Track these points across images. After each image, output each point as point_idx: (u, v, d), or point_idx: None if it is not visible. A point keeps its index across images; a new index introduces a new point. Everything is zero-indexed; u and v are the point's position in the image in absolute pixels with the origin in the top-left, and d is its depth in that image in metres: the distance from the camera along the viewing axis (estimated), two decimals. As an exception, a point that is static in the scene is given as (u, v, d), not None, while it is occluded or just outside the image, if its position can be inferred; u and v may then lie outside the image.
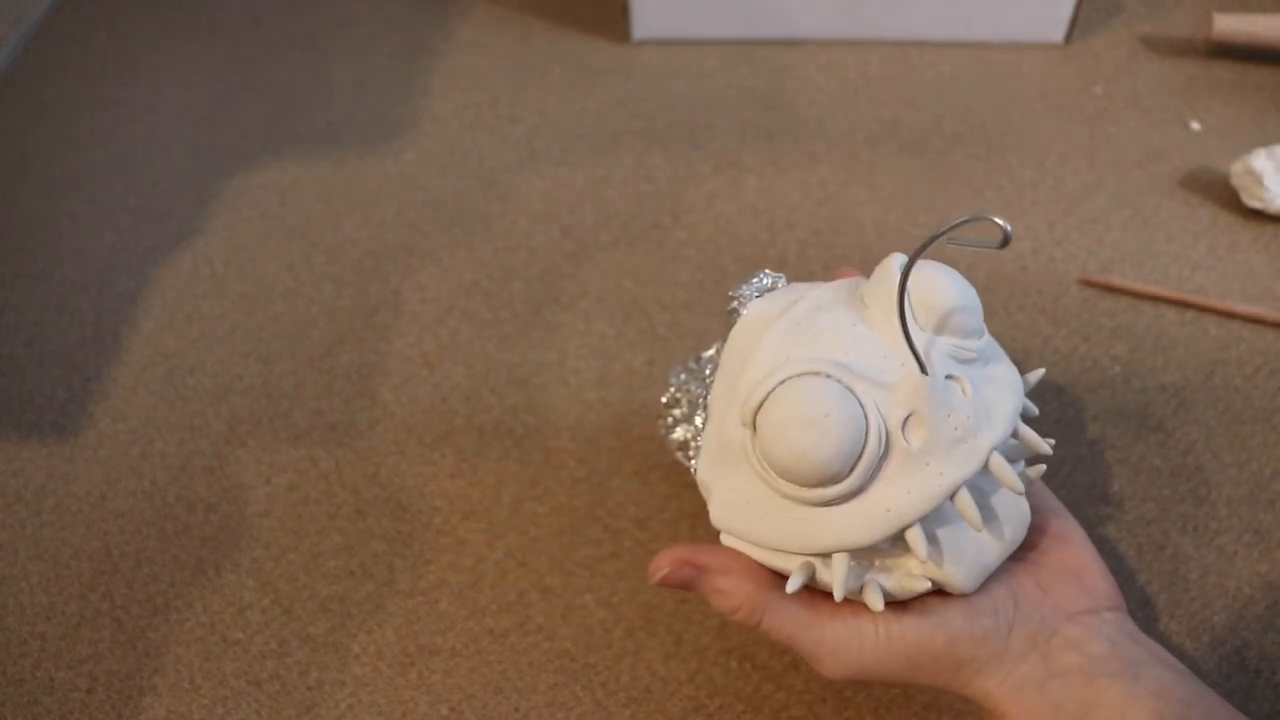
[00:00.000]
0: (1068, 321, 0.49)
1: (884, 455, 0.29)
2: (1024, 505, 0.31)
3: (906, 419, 0.29)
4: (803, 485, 0.29)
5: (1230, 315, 0.48)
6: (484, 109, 0.63)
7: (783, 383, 0.29)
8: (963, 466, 0.29)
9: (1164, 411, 0.45)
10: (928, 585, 0.30)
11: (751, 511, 0.31)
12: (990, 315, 0.49)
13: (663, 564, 0.32)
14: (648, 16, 0.65)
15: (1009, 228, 0.26)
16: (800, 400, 0.28)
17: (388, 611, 0.41)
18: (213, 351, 0.51)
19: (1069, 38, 0.64)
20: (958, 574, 0.30)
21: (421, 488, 0.45)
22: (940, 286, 0.30)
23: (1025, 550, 0.33)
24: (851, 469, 0.28)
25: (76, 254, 0.55)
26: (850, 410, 0.28)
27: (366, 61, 0.67)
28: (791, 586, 0.30)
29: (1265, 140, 0.57)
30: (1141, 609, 0.39)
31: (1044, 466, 0.32)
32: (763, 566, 0.32)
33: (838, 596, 0.29)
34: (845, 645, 0.30)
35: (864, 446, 0.28)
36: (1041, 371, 0.33)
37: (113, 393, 0.49)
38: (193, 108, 0.64)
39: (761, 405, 0.29)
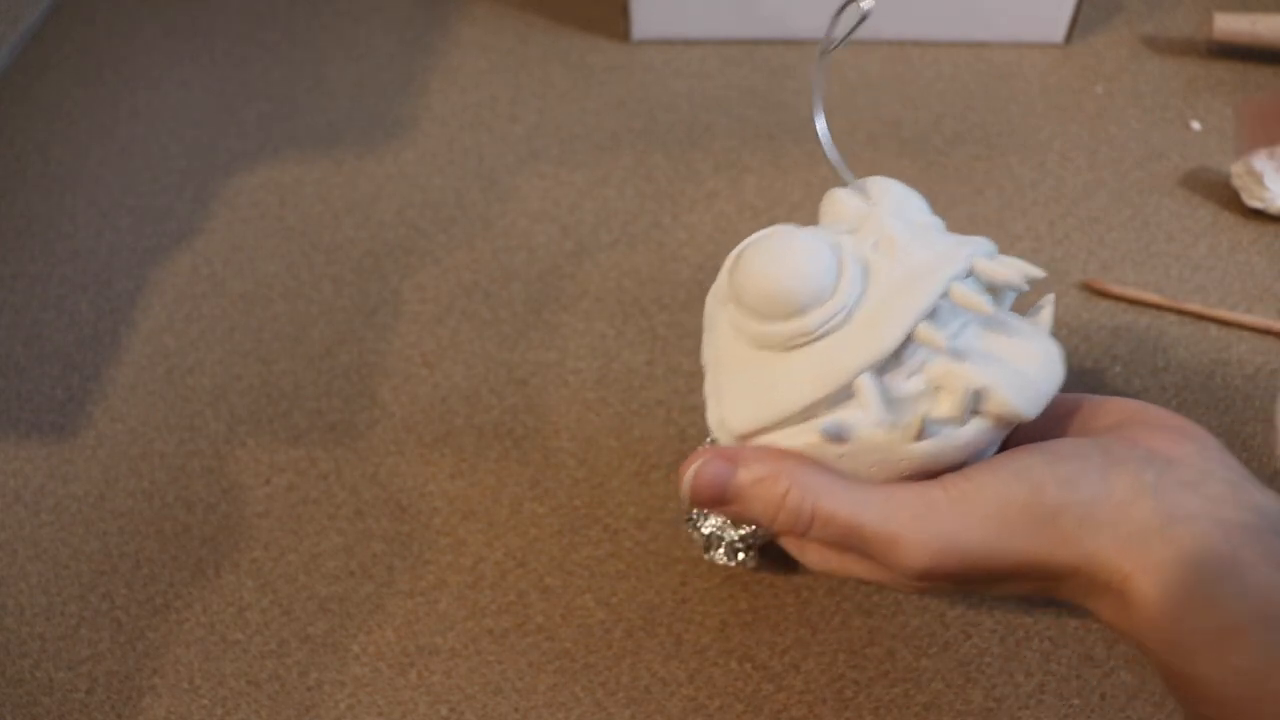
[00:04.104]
0: (1068, 321, 0.49)
1: (866, 277, 0.29)
2: (1048, 339, 0.30)
3: (876, 243, 0.30)
4: (791, 316, 0.28)
5: (1238, 326, 0.48)
6: (484, 109, 0.63)
7: (760, 237, 0.30)
8: (948, 265, 0.29)
9: (1164, 411, 0.45)
10: (974, 424, 0.27)
11: (757, 388, 0.29)
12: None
13: (691, 463, 0.28)
14: (648, 16, 0.65)
15: (866, 4, 0.28)
16: (769, 242, 0.29)
17: (387, 612, 0.41)
18: (212, 351, 0.51)
19: (1069, 37, 0.64)
20: (1001, 385, 0.27)
21: (421, 488, 0.45)
22: (891, 183, 0.33)
23: (1083, 427, 0.29)
24: (837, 286, 0.28)
25: (75, 254, 0.55)
26: (814, 235, 0.29)
27: (366, 61, 0.67)
28: (821, 428, 0.27)
29: (1265, 140, 0.57)
30: (1142, 609, 0.39)
31: (1050, 305, 0.31)
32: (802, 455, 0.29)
33: (873, 418, 0.27)
34: (920, 516, 0.26)
35: (841, 265, 0.29)
36: (1051, 298, 0.32)
37: (112, 393, 0.49)
38: (193, 108, 0.64)
39: (737, 267, 0.29)
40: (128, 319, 0.52)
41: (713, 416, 0.31)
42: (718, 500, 0.28)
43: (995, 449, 0.30)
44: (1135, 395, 0.46)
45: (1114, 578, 0.25)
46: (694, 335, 0.50)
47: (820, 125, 0.32)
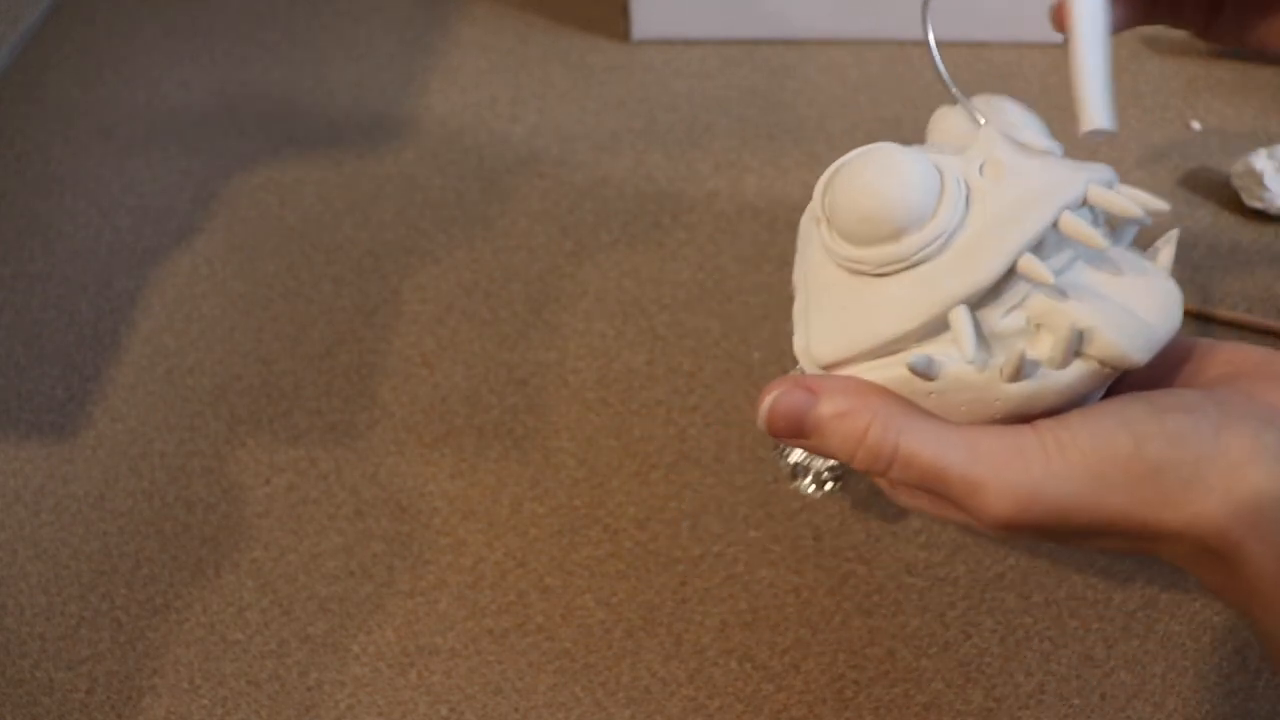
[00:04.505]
0: (1068, 321, 0.49)
1: (969, 202, 0.27)
2: (1166, 278, 0.27)
3: (983, 166, 0.27)
4: (887, 240, 0.26)
5: (1239, 326, 0.48)
6: (484, 109, 0.63)
7: (857, 154, 0.28)
8: (1061, 190, 0.26)
9: (1164, 411, 0.45)
10: (1076, 367, 0.25)
11: (845, 316, 0.27)
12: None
13: (770, 391, 0.26)
14: (648, 16, 0.65)
15: None
16: (870, 157, 0.27)
17: (387, 612, 0.41)
18: (212, 351, 0.51)
19: (1069, 38, 0.64)
20: (1108, 326, 0.25)
21: (421, 488, 0.45)
22: (1011, 103, 0.31)
23: (1194, 375, 0.27)
24: (936, 209, 0.26)
25: (75, 254, 0.55)
26: (915, 153, 0.27)
27: (366, 61, 0.67)
28: (911, 361, 0.25)
29: (1265, 140, 0.57)
30: (1142, 609, 0.39)
31: (1173, 242, 0.28)
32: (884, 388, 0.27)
33: (966, 354, 0.25)
34: (1006, 462, 0.24)
35: (942, 187, 0.26)
36: (1176, 231, 0.29)
37: (112, 393, 0.49)
38: (193, 108, 0.64)
39: (830, 184, 0.27)
40: (128, 319, 0.52)
41: (799, 343, 0.29)
42: (795, 432, 0.26)
43: (1100, 396, 0.27)
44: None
45: (1223, 544, 0.23)
46: (694, 335, 0.50)
47: (930, 37, 0.31)
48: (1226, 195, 0.54)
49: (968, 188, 0.27)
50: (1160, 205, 0.27)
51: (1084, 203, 0.27)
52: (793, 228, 0.54)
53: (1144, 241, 0.30)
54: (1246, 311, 0.49)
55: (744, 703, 0.38)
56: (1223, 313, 0.48)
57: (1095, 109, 0.28)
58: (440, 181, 0.58)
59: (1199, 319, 0.49)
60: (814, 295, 0.29)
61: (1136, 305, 0.26)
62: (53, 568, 0.43)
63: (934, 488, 0.25)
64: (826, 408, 0.25)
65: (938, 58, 0.31)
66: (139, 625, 0.41)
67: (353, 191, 0.58)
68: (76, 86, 0.66)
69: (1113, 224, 0.28)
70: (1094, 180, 0.27)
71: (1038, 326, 0.26)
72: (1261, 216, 0.53)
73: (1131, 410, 0.24)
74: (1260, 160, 0.52)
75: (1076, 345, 0.25)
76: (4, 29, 0.68)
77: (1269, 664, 0.38)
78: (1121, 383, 0.27)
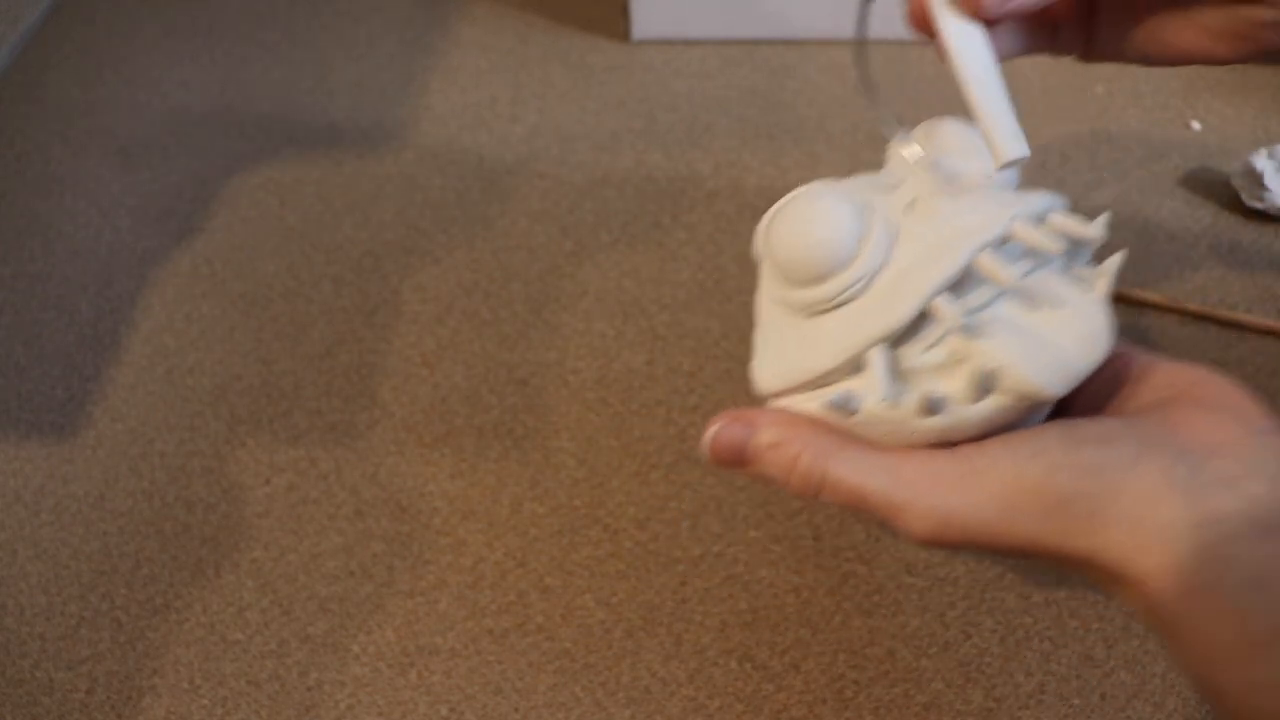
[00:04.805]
0: (1068, 321, 0.49)
1: (892, 238, 0.28)
2: (1097, 308, 0.28)
3: (911, 204, 0.29)
4: (812, 282, 0.28)
5: (1239, 326, 0.48)
6: (484, 109, 0.63)
7: (791, 198, 0.29)
8: (981, 229, 0.27)
9: (1164, 411, 0.45)
10: (991, 399, 0.26)
11: (782, 350, 0.29)
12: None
13: (713, 424, 0.29)
14: (648, 16, 0.65)
15: None
16: (801, 202, 0.28)
17: (387, 612, 0.41)
18: (212, 351, 0.51)
19: (1069, 38, 0.64)
20: (1023, 363, 0.26)
21: (421, 488, 0.45)
22: (954, 126, 0.31)
23: (1127, 400, 0.28)
24: (859, 252, 0.27)
25: (75, 254, 0.55)
26: (842, 198, 0.28)
27: (366, 61, 0.67)
28: (827, 399, 0.27)
29: (1265, 140, 0.57)
30: (1142, 609, 0.39)
31: (1111, 271, 0.29)
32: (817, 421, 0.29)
33: (880, 394, 0.26)
34: (924, 488, 0.25)
35: (868, 229, 0.28)
36: (1123, 252, 0.30)
37: (112, 393, 0.49)
38: (193, 108, 0.64)
39: (767, 228, 0.29)
40: (128, 319, 0.52)
41: (752, 371, 0.31)
42: (736, 461, 0.28)
43: (1043, 417, 0.28)
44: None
45: (1131, 575, 0.24)
46: (694, 335, 0.50)
47: (863, 73, 0.31)
48: (1226, 195, 0.54)
49: (895, 227, 0.28)
50: (1089, 233, 0.28)
51: (1006, 240, 0.27)
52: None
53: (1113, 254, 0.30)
54: (1246, 311, 0.49)
55: (744, 703, 0.38)
56: (1223, 313, 0.48)
57: (1003, 142, 0.28)
58: (440, 181, 0.58)
59: (1199, 319, 0.49)
60: (760, 328, 0.31)
61: (1059, 338, 0.27)
62: (53, 568, 0.43)
63: (860, 509, 0.27)
64: (762, 439, 0.28)
65: (873, 91, 0.31)
66: (139, 625, 0.41)
67: (353, 191, 0.58)
68: (76, 86, 0.66)
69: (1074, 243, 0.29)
70: (1022, 215, 0.28)
71: (957, 362, 0.27)
72: (1261, 216, 0.53)
73: (1048, 440, 0.25)
74: (1260, 160, 0.52)
75: (987, 383, 0.26)
76: (4, 29, 0.68)
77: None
78: (1068, 402, 0.28)
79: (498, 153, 0.60)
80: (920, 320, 0.27)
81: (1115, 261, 0.29)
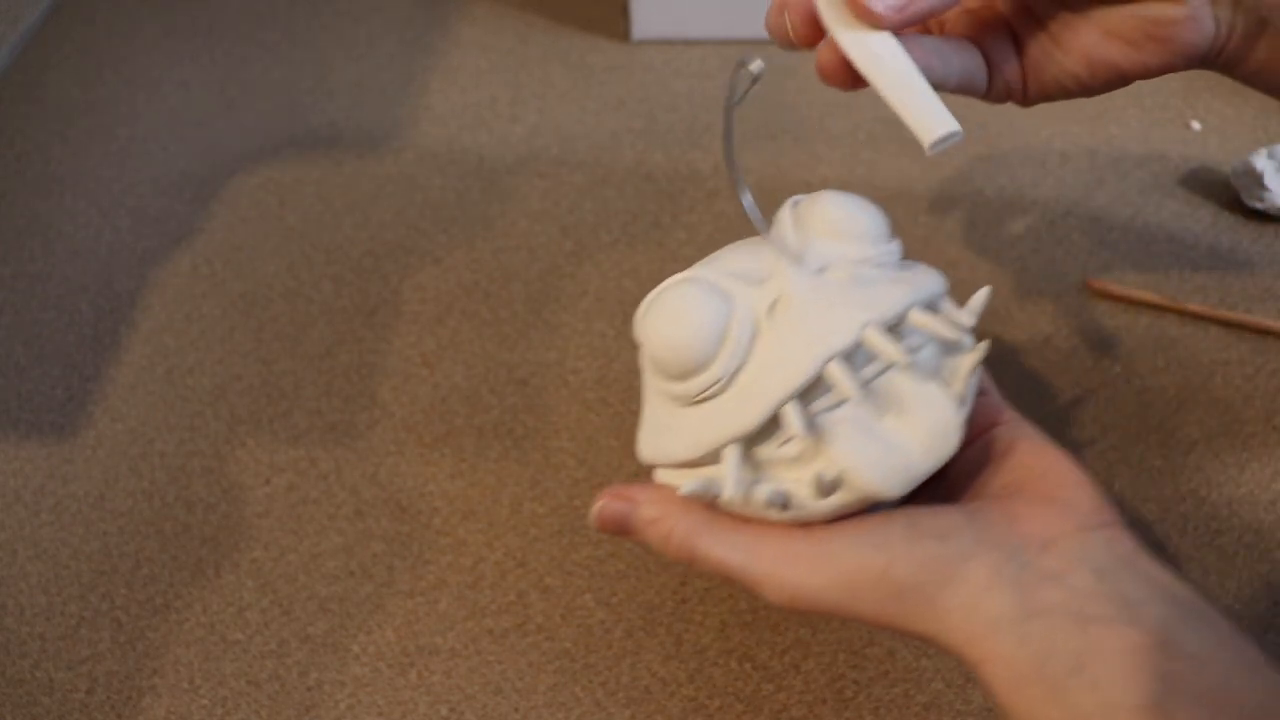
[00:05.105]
0: (1068, 321, 0.49)
1: (752, 340, 0.29)
2: (950, 408, 0.29)
3: (773, 305, 0.30)
4: (677, 378, 0.30)
5: (1239, 326, 0.48)
6: (484, 109, 0.63)
7: (664, 290, 0.31)
8: (830, 339, 0.28)
9: (1164, 411, 0.45)
10: (834, 498, 0.28)
11: (658, 429, 0.31)
12: (991, 314, 0.49)
13: (600, 500, 0.32)
14: (648, 16, 0.65)
15: (755, 68, 0.29)
16: (669, 296, 0.30)
17: (387, 612, 0.41)
18: (212, 351, 0.51)
19: (1069, 38, 0.64)
20: (864, 469, 0.27)
21: (421, 488, 0.45)
22: (828, 203, 0.32)
23: (988, 480, 0.30)
24: (718, 353, 0.29)
25: (75, 254, 0.55)
26: (709, 297, 0.29)
27: (366, 61, 0.67)
28: (687, 488, 0.29)
29: (1265, 140, 0.57)
30: (1142, 609, 0.39)
31: (968, 367, 0.29)
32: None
33: (729, 491, 0.28)
34: (779, 566, 0.28)
35: (726, 333, 0.29)
36: (986, 290, 0.31)
37: (112, 393, 0.49)
38: (193, 108, 0.64)
39: (640, 317, 0.31)
40: (128, 319, 0.52)
41: (637, 441, 0.34)
42: (620, 532, 0.32)
43: (897, 501, 0.29)
44: (1135, 395, 0.46)
45: (967, 658, 0.26)
46: (694, 335, 0.50)
47: (737, 175, 0.31)
48: (1226, 195, 0.54)
49: (756, 326, 0.29)
50: (946, 333, 0.29)
51: (858, 346, 0.28)
52: (793, 228, 0.54)
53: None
54: (1246, 312, 0.49)
55: (744, 703, 0.38)
56: (1223, 313, 0.48)
57: (925, 123, 0.28)
58: (440, 181, 0.58)
59: (1199, 319, 0.49)
60: (646, 402, 0.33)
61: (903, 442, 0.28)
62: (53, 568, 0.43)
63: (726, 580, 0.31)
64: (642, 514, 0.31)
65: (743, 187, 0.32)
66: (139, 625, 0.41)
67: (353, 191, 0.58)
68: (76, 86, 0.66)
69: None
70: (875, 321, 0.28)
71: (808, 460, 0.29)
72: (1261, 216, 0.53)
73: (892, 532, 0.27)
74: (1260, 160, 0.52)
75: (831, 486, 0.28)
76: (4, 29, 0.68)
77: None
78: (945, 470, 0.29)
79: (498, 153, 0.60)
80: (775, 419, 0.28)
81: (975, 358, 0.30)
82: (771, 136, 0.59)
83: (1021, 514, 0.28)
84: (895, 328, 0.29)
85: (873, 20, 0.29)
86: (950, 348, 0.30)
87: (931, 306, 0.30)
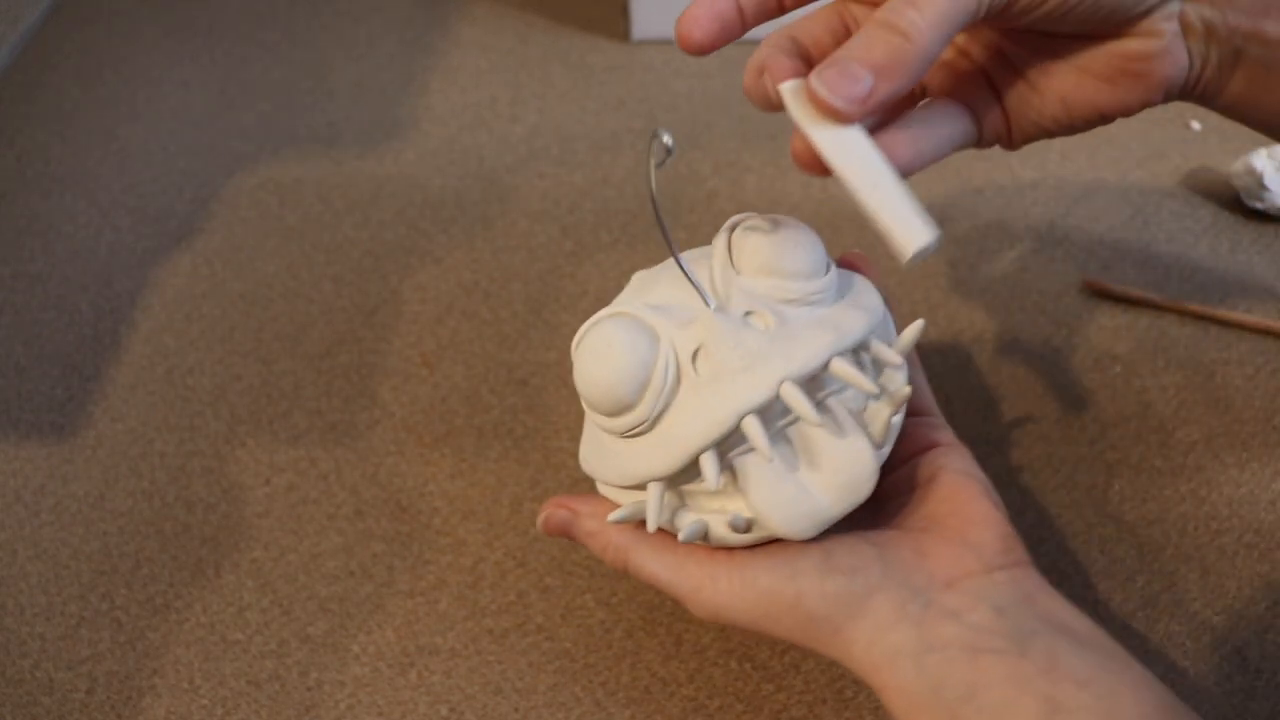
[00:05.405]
0: (1068, 321, 0.49)
1: (675, 386, 0.30)
2: (865, 456, 0.30)
3: (696, 352, 0.30)
4: (605, 415, 0.31)
5: (1239, 326, 0.48)
6: (484, 109, 0.63)
7: (594, 325, 0.31)
8: (748, 394, 0.29)
9: (1164, 411, 0.45)
10: (749, 535, 0.30)
11: (592, 451, 0.33)
12: (990, 315, 0.49)
13: (545, 509, 0.34)
14: (648, 16, 0.65)
15: (669, 142, 0.29)
16: (597, 335, 0.30)
17: (387, 612, 0.41)
18: (212, 351, 0.51)
19: (1069, 38, 0.64)
20: (775, 514, 0.29)
21: (421, 488, 0.45)
22: (760, 239, 0.32)
23: (907, 514, 0.32)
24: (641, 398, 0.30)
25: (75, 254, 0.55)
26: (635, 340, 0.30)
27: (366, 61, 0.67)
28: (613, 517, 0.31)
29: (1266, 140, 0.57)
30: (1142, 609, 0.39)
31: (884, 415, 0.30)
32: None
33: (650, 526, 0.30)
34: (701, 585, 0.30)
35: (650, 379, 0.30)
36: (919, 324, 0.31)
37: (111, 393, 0.49)
38: (192, 108, 0.64)
39: (574, 350, 0.32)
40: (128, 319, 0.52)
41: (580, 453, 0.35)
42: (565, 537, 0.34)
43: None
44: (1135, 395, 0.46)
45: (871, 684, 0.29)
46: (694, 335, 0.50)
47: (669, 238, 0.31)
48: (1226, 195, 0.54)
49: (679, 372, 0.30)
50: (866, 386, 0.29)
51: (775, 399, 0.29)
52: (793, 228, 0.54)
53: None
54: (1246, 312, 0.49)
55: (744, 703, 0.38)
56: (1223, 313, 0.48)
57: (902, 234, 0.27)
58: (440, 181, 0.58)
59: (1201, 320, 0.49)
60: (586, 422, 0.34)
61: (815, 488, 0.30)
62: (53, 568, 0.43)
63: (658, 590, 0.34)
64: (583, 526, 0.33)
65: (673, 244, 0.32)
66: (139, 625, 0.41)
67: (353, 191, 0.58)
68: (76, 86, 0.66)
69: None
70: (794, 375, 0.29)
71: (728, 496, 0.30)
72: (1261, 216, 0.53)
73: (804, 564, 0.29)
74: (1260, 160, 0.52)
75: (746, 526, 0.30)
76: (4, 29, 0.68)
77: (1267, 663, 0.38)
78: (878, 492, 0.31)
79: (498, 153, 0.60)
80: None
81: (893, 409, 0.31)
82: (771, 136, 0.59)
83: (931, 552, 0.30)
84: (818, 375, 0.30)
85: (836, 116, 0.28)
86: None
87: (860, 348, 0.31)
